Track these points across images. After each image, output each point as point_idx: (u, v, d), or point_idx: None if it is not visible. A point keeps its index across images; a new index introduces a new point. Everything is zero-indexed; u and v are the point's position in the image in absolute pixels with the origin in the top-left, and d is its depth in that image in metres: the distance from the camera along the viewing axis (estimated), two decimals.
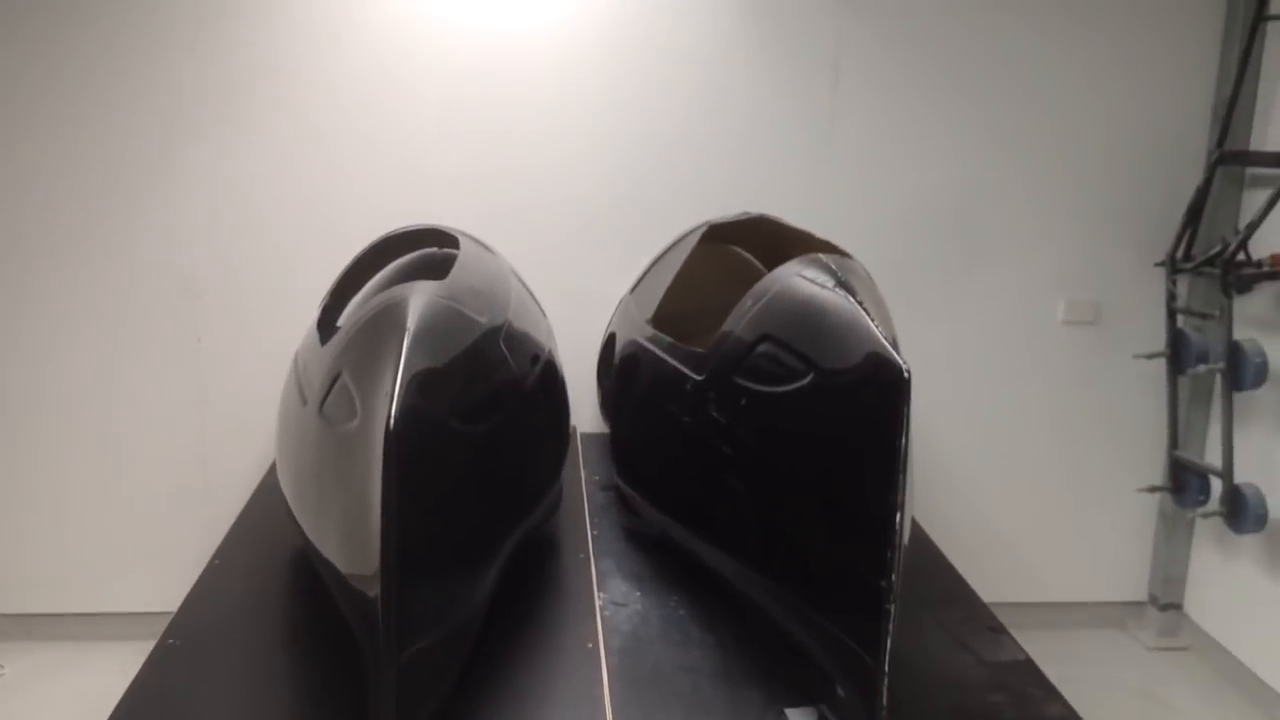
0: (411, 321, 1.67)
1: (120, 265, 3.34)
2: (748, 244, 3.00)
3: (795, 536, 1.78)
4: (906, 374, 1.49)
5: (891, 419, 1.49)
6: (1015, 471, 3.76)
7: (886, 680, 1.55)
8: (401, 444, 1.43)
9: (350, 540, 1.66)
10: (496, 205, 3.39)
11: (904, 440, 1.49)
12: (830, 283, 1.80)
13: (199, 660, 1.92)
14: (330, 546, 1.79)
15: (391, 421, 1.43)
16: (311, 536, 1.93)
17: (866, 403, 1.55)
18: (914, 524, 2.54)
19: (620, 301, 3.24)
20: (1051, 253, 3.62)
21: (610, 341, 3.08)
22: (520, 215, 3.42)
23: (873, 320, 1.61)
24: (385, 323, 1.72)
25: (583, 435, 3.33)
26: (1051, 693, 1.92)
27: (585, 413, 3.39)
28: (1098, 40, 3.48)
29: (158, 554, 3.46)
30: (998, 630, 2.17)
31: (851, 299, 1.70)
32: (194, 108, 3.27)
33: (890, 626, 1.53)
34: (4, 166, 3.26)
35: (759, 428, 1.87)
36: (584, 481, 2.92)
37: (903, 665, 1.60)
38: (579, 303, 3.37)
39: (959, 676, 1.99)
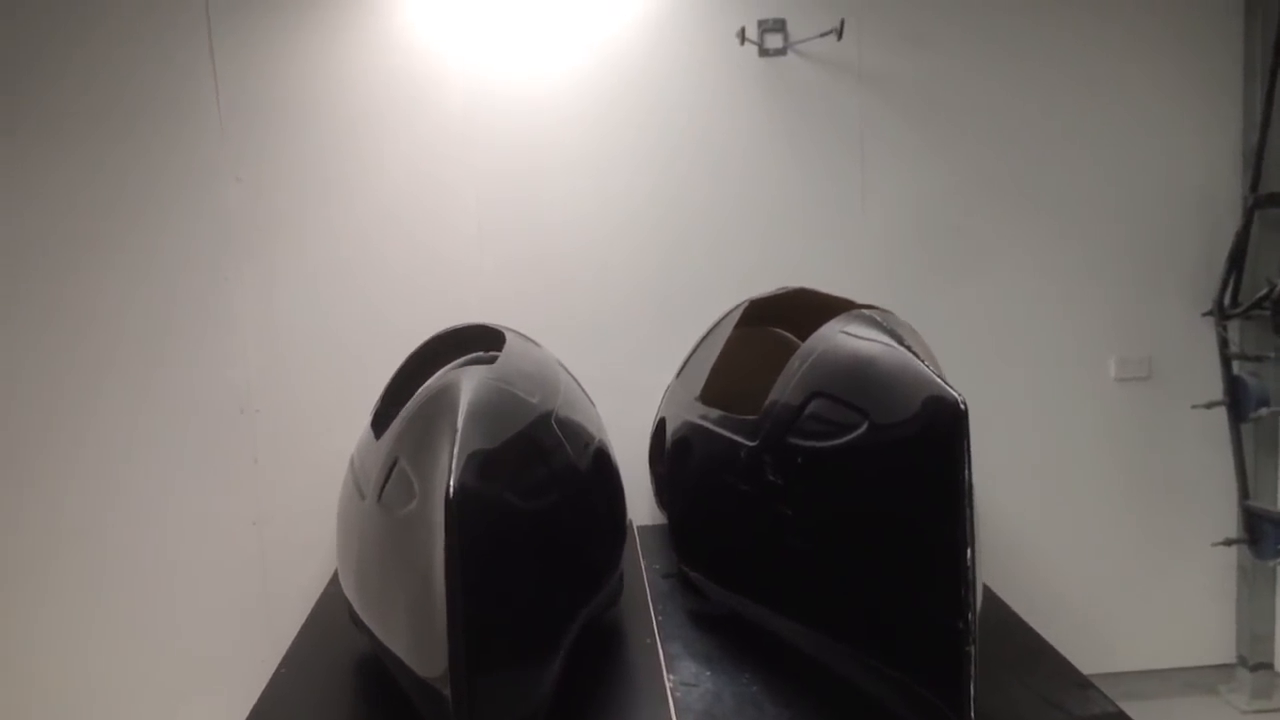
0: (465, 400, 1.69)
1: (176, 391, 3.40)
2: (789, 320, 3.01)
3: (864, 591, 1.74)
4: (963, 406, 1.48)
5: (953, 453, 1.47)
6: (1083, 536, 3.67)
7: None
8: (463, 513, 1.44)
9: (417, 626, 1.65)
10: (536, 298, 3.45)
11: (967, 473, 1.47)
12: (873, 333, 1.81)
13: None
14: (397, 638, 1.78)
15: (451, 490, 1.43)
16: (377, 631, 1.92)
17: (925, 440, 1.54)
18: (985, 587, 2.49)
19: (667, 388, 3.25)
20: (1098, 311, 3.60)
21: (660, 427, 3.08)
22: (561, 308, 3.47)
23: (921, 360, 1.60)
24: (439, 405, 1.74)
25: (639, 528, 3.31)
26: None
27: (640, 506, 3.38)
28: (1124, 99, 3.53)
29: (221, 677, 3.43)
30: (1085, 685, 2.10)
31: (896, 344, 1.70)
32: (243, 233, 3.38)
33: (972, 670, 1.49)
34: (59, 299, 3.36)
35: (818, 485, 1.86)
36: (644, 570, 2.88)
37: None
38: (626, 395, 3.39)
39: None
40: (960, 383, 1.56)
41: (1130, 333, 3.61)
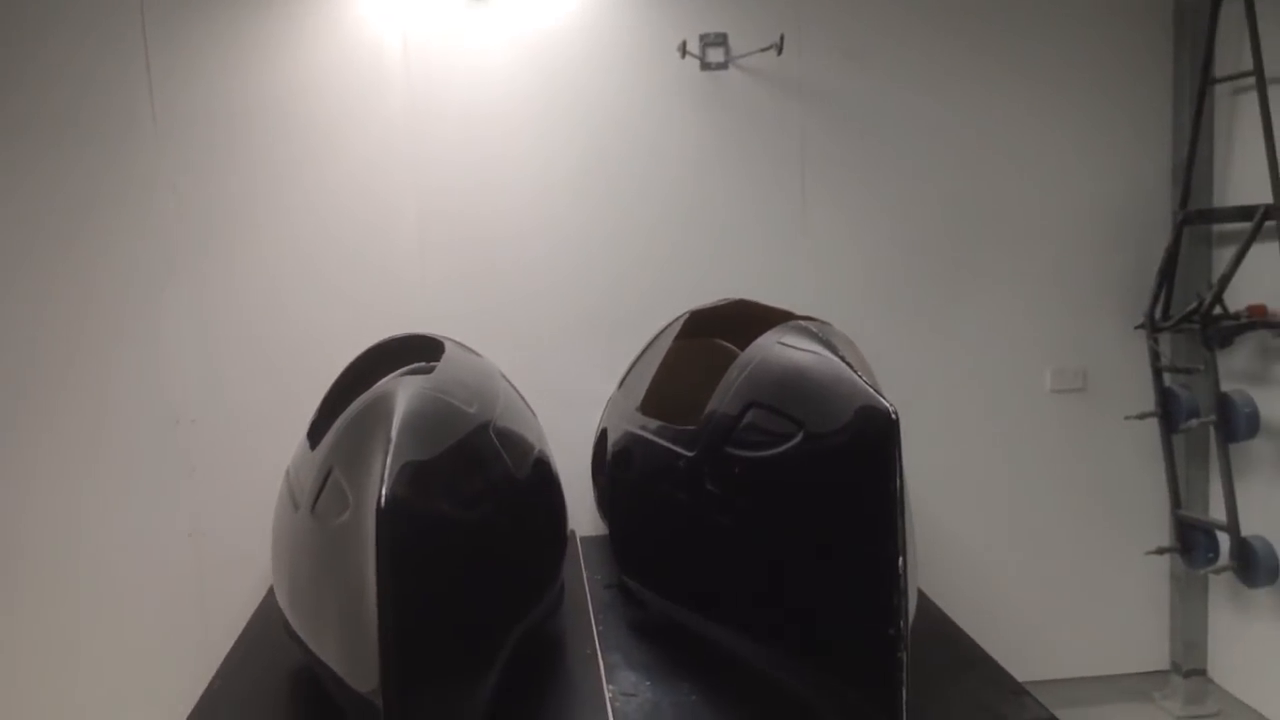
0: (400, 410, 1.68)
1: (110, 402, 3.35)
2: (730, 332, 3.02)
3: (799, 599, 1.75)
4: (894, 415, 1.50)
5: (884, 461, 1.49)
6: (1018, 545, 3.72)
7: None
8: (394, 523, 1.43)
9: (349, 638, 1.63)
10: (479, 311, 3.43)
11: (899, 482, 1.49)
12: (809, 344, 1.82)
13: None
14: (330, 650, 1.76)
15: (383, 500, 1.42)
16: (310, 643, 1.90)
17: (857, 450, 1.56)
18: (921, 595, 2.52)
19: (609, 399, 3.26)
20: (1034, 323, 3.66)
21: (602, 438, 3.08)
22: (503, 320, 3.46)
23: (854, 370, 1.62)
24: (374, 414, 1.73)
25: (582, 538, 3.30)
26: None
27: (582, 517, 3.37)
28: (1056, 119, 3.60)
29: (156, 690, 3.36)
30: (1020, 692, 2.13)
31: (830, 354, 1.72)
32: (180, 243, 3.34)
33: (903, 677, 1.51)
34: None
35: (754, 494, 1.87)
36: (586, 581, 2.88)
37: None
38: (569, 406, 3.37)
39: None
40: (897, 394, 1.58)
41: (1065, 345, 3.68)
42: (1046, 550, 3.73)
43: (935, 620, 2.55)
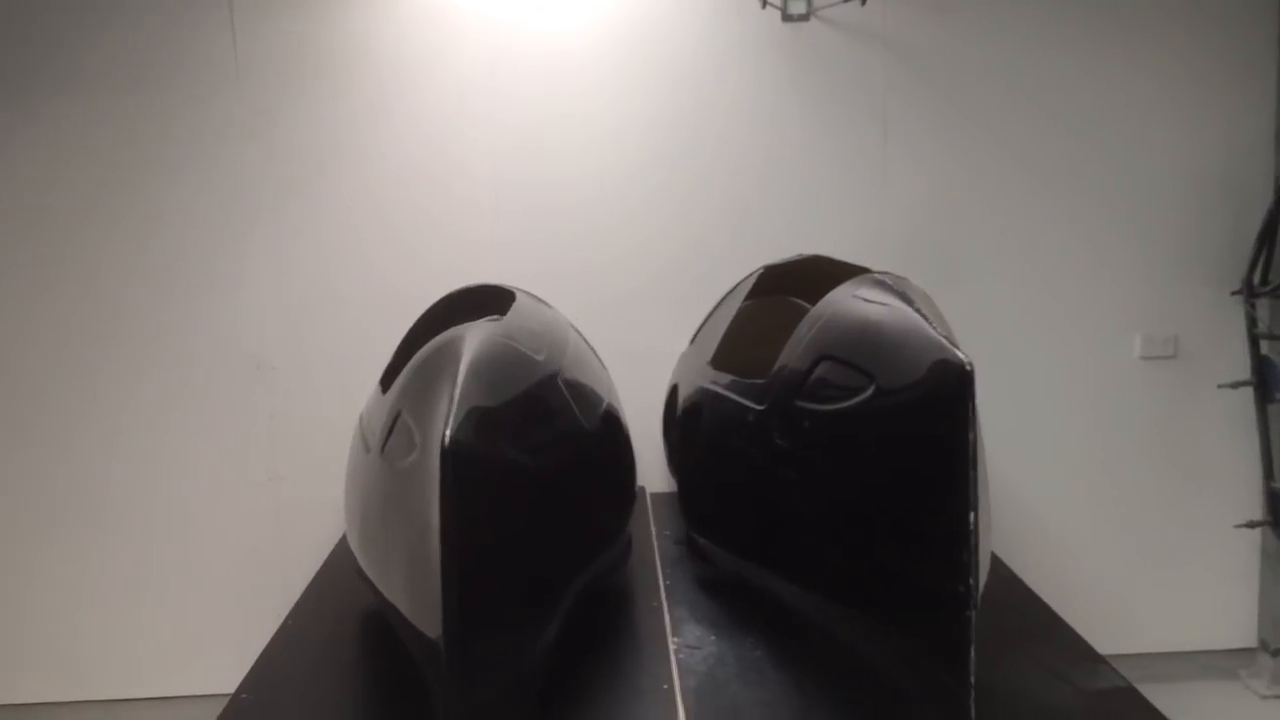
0: (467, 353, 1.68)
1: (191, 348, 3.43)
2: (804, 289, 2.97)
3: (867, 556, 1.72)
4: (969, 367, 1.45)
5: (957, 414, 1.44)
6: (1101, 514, 3.62)
7: (973, 694, 1.47)
8: (459, 461, 1.42)
9: (414, 579, 1.64)
10: (551, 269, 3.43)
11: (972, 435, 1.44)
12: (883, 296, 1.78)
13: (271, 714, 1.90)
14: (396, 590, 1.77)
15: (446, 439, 1.42)
16: (378, 584, 1.92)
17: (930, 402, 1.51)
18: (995, 559, 2.47)
19: (681, 355, 3.23)
20: (1123, 288, 3.54)
21: (673, 393, 3.06)
22: (576, 278, 3.45)
23: (928, 321, 1.57)
24: (442, 358, 1.73)
25: (652, 495, 3.30)
26: (1154, 715, 1.81)
27: (654, 475, 3.37)
28: (1153, 74, 3.46)
29: (233, 635, 3.45)
30: (1095, 660, 2.07)
31: (905, 305, 1.67)
32: (258, 191, 3.39)
33: (971, 635, 1.46)
34: (72, 256, 3.40)
35: (824, 448, 1.83)
36: (655, 537, 2.87)
37: (995, 697, 1.53)
38: (641, 364, 3.35)
39: (1056, 706, 1.89)
40: (980, 357, 1.51)
41: (1156, 311, 3.55)
42: (1130, 520, 3.63)
43: (1009, 585, 2.49)
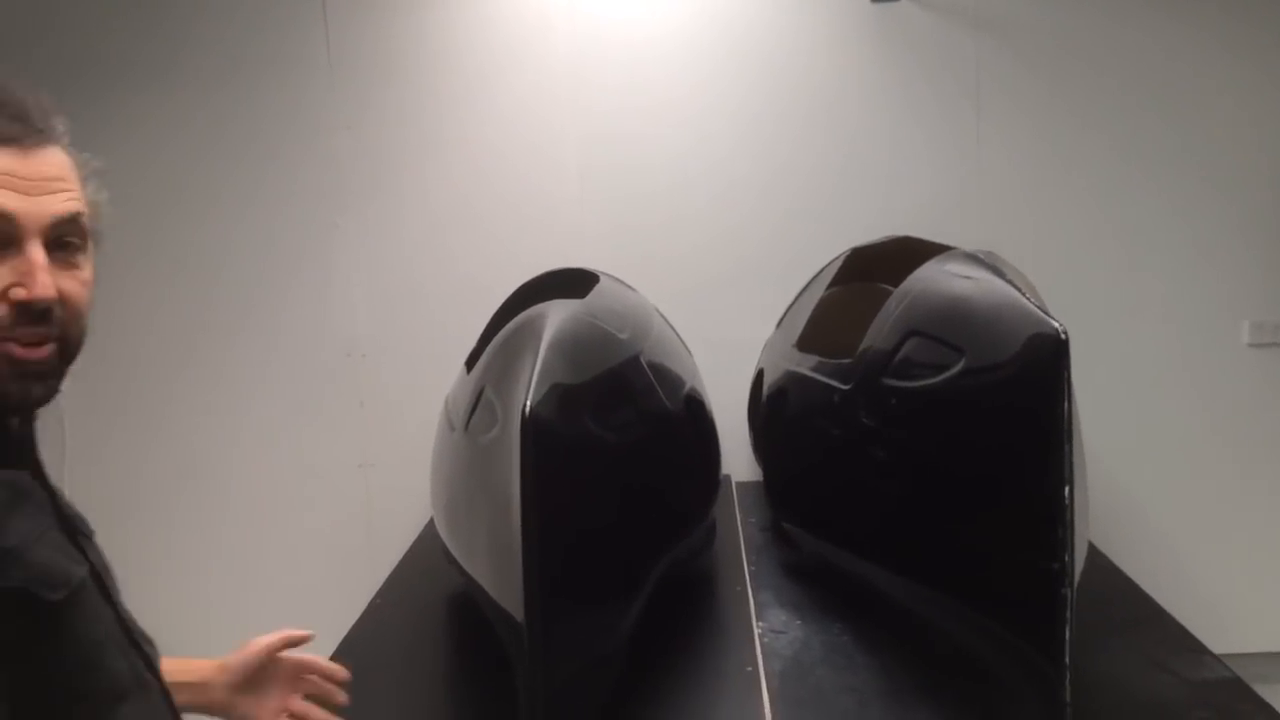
0: (550, 329, 1.67)
1: (283, 335, 3.51)
2: (892, 272, 2.91)
3: (956, 536, 1.67)
4: (1064, 335, 1.39)
5: (1052, 385, 1.39)
6: (1205, 508, 3.46)
7: (1069, 677, 1.41)
8: (539, 432, 1.41)
9: (496, 553, 1.64)
10: (637, 258, 3.40)
11: (1068, 407, 1.39)
12: (971, 269, 1.73)
13: (359, 692, 1.93)
14: (480, 566, 1.78)
15: (528, 410, 1.42)
16: (464, 563, 1.93)
17: (1022, 373, 1.46)
18: (1093, 548, 2.38)
19: (767, 341, 3.20)
20: (1229, 274, 3.39)
21: (758, 378, 3.03)
22: (661, 265, 3.41)
23: (1019, 291, 1.53)
24: (525, 333, 1.74)
25: (737, 483, 3.27)
26: (1265, 708, 1.73)
27: (740, 464, 3.33)
28: (1258, 56, 3.31)
29: (324, 610, 3.50)
30: (1199, 651, 1.98)
31: (996, 277, 1.62)
32: (349, 181, 3.46)
33: (1068, 615, 1.41)
34: (167, 244, 3.47)
35: (912, 426, 1.79)
36: (740, 524, 2.85)
37: (1091, 684, 1.47)
38: (727, 351, 3.31)
39: (1157, 696, 1.81)
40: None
41: (1265, 297, 3.39)
42: (1237, 515, 3.46)
43: (1108, 574, 2.41)
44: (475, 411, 1.83)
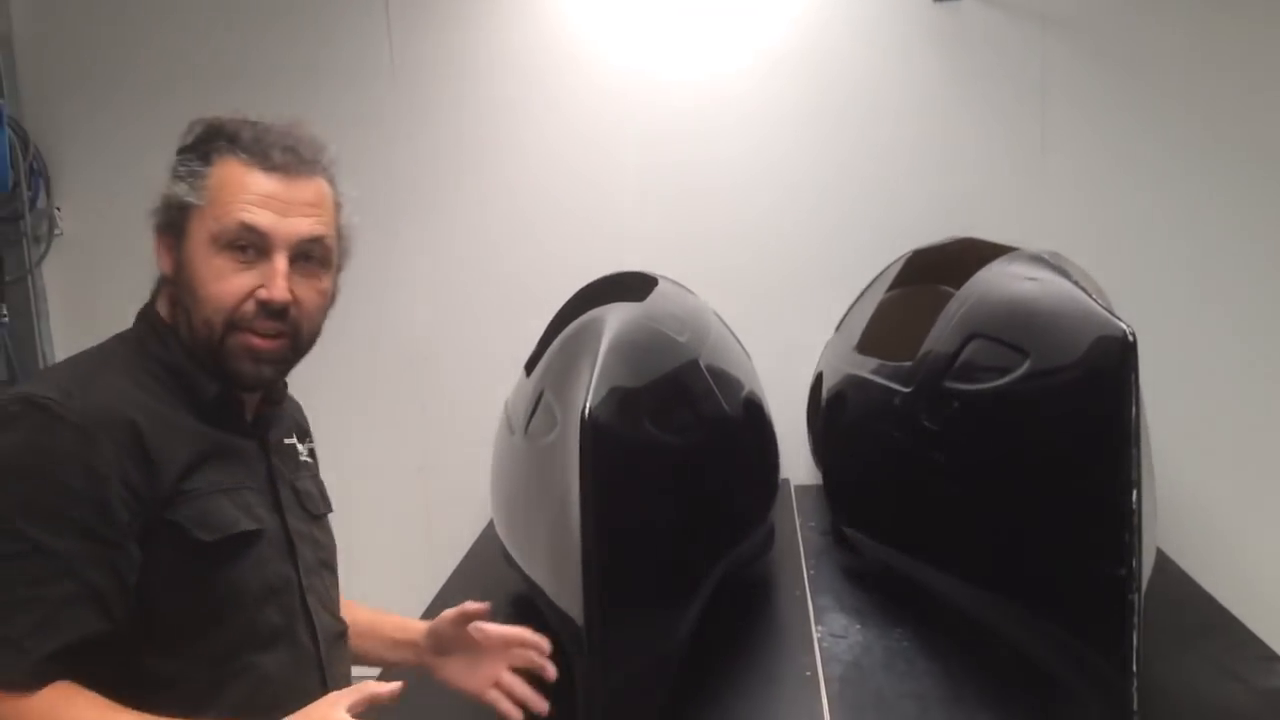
0: (609, 332, 1.68)
1: (352, 340, 3.52)
2: (953, 274, 2.87)
3: (1020, 540, 1.65)
4: (1131, 337, 1.37)
5: (1119, 387, 1.37)
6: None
7: (1136, 684, 1.39)
8: (598, 434, 1.42)
9: (555, 554, 1.66)
10: (696, 262, 3.38)
11: (1135, 410, 1.36)
12: (1035, 270, 1.71)
13: (421, 693, 1.94)
14: (539, 568, 1.80)
15: (587, 412, 1.42)
16: (523, 565, 1.95)
17: (1088, 375, 1.44)
18: (1161, 554, 2.34)
19: (826, 343, 3.18)
20: None
21: (818, 381, 3.01)
22: (720, 269, 3.41)
23: (1085, 291, 1.50)
24: (585, 336, 1.74)
25: (797, 487, 3.25)
26: None
27: (799, 468, 3.31)
28: None
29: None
30: (1272, 659, 1.93)
31: (1061, 278, 1.60)
32: (413, 189, 3.52)
33: (1135, 621, 1.38)
34: None
35: (974, 430, 1.77)
36: (799, 527, 2.84)
37: (1160, 695, 1.45)
38: (787, 355, 3.30)
39: (1227, 705, 1.77)
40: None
41: None
42: None
43: (1177, 582, 2.36)
44: (535, 414, 1.85)
